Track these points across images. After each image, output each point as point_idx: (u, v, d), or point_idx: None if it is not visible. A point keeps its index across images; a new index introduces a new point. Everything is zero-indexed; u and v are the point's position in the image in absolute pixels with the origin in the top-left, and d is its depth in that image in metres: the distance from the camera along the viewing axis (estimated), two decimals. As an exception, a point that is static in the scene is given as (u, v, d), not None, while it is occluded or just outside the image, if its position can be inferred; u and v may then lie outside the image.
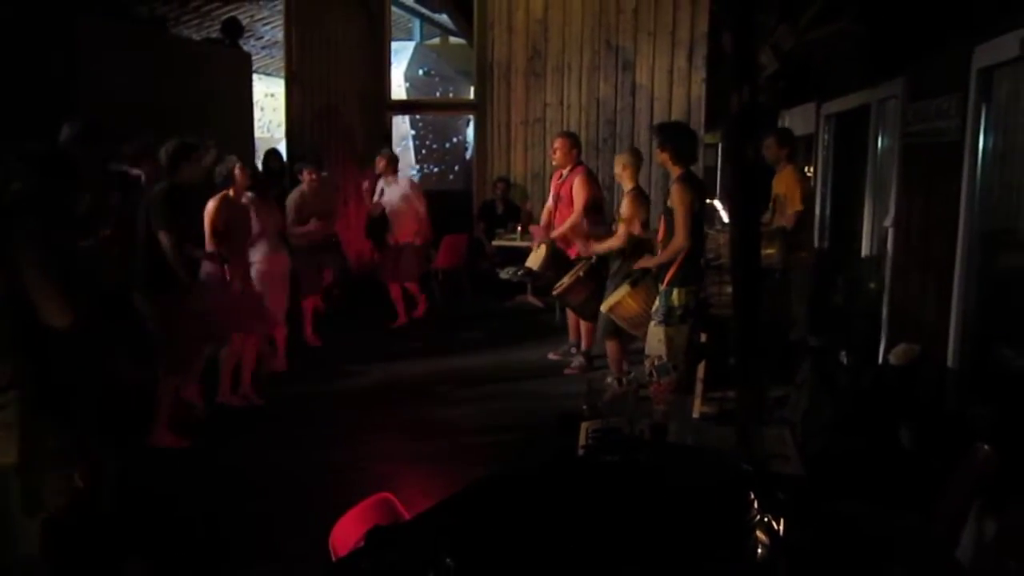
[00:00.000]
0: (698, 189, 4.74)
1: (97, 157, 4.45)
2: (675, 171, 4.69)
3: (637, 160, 5.80)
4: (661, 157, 4.79)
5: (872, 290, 6.31)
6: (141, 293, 4.54)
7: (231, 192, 5.15)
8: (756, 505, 1.42)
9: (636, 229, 5.53)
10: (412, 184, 7.91)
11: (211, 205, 5.02)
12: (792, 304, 6.01)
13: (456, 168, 14.48)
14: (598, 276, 5.74)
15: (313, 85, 8.95)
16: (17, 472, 2.24)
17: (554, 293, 6.04)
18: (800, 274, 6.03)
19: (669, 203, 4.68)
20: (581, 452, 2.56)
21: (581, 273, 5.78)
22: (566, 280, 5.83)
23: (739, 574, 1.39)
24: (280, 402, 5.51)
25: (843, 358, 5.17)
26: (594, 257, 5.77)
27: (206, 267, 4.99)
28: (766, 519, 1.39)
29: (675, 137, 4.74)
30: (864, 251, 6.74)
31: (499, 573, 1.42)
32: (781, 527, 1.38)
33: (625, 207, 5.58)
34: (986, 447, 2.59)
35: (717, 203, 8.83)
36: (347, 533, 1.99)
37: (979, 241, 4.51)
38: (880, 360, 5.27)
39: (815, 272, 6.39)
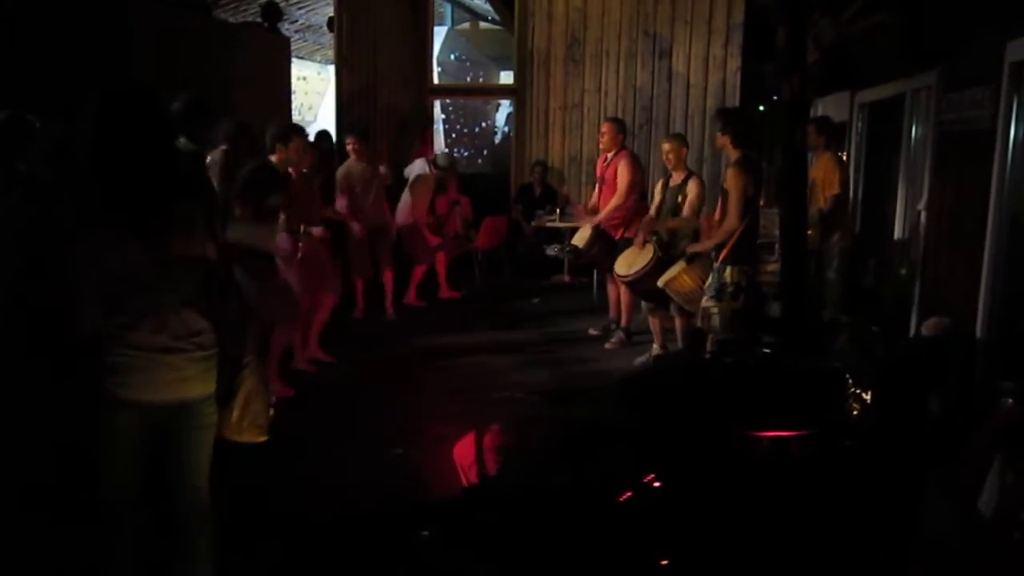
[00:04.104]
0: (755, 172, 4.94)
1: (203, 134, 4.76)
2: (734, 154, 4.95)
3: (686, 145, 6.08)
4: (721, 141, 5.03)
5: (903, 271, 6.57)
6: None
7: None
8: (851, 382, 1.79)
9: (717, 215, 5.66)
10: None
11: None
12: (826, 284, 6.28)
13: (485, 152, 14.77)
14: (665, 267, 5.77)
15: (360, 69, 9.25)
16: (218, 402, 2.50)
17: (623, 282, 6.16)
18: (836, 256, 6.30)
19: (724, 185, 4.94)
20: (707, 356, 2.99)
21: (649, 268, 5.79)
22: (631, 273, 5.91)
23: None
24: (341, 367, 5.89)
25: (875, 331, 5.46)
26: (656, 250, 5.84)
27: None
28: (859, 391, 1.76)
29: (736, 122, 4.99)
30: (897, 235, 6.99)
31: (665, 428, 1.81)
32: (869, 397, 1.75)
33: (694, 192, 5.78)
34: (1010, 401, 2.87)
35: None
36: (466, 448, 2.36)
37: (1008, 223, 4.80)
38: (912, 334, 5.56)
39: (849, 255, 6.64)
